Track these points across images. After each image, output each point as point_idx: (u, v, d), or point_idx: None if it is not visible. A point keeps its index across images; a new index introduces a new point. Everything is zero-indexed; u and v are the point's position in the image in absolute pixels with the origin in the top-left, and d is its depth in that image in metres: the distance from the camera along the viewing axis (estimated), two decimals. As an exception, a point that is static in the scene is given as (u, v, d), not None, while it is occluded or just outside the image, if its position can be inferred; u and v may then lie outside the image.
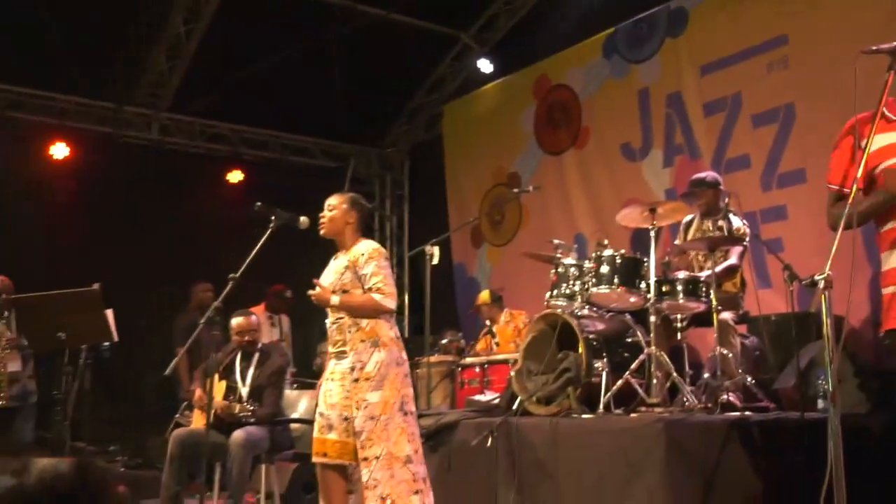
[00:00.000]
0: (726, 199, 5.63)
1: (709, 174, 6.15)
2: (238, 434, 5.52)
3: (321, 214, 4.49)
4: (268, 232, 4.36)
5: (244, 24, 9.40)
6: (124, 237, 9.76)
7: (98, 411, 9.31)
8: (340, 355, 4.36)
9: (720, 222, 5.69)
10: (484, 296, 8.13)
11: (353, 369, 4.28)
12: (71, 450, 6.93)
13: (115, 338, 6.32)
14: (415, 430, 4.33)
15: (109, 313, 6.18)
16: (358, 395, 4.24)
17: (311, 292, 4.36)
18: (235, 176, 10.62)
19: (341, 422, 4.28)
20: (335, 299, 4.30)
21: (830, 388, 2.47)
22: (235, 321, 6.01)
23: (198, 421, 6.07)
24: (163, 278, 9.61)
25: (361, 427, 4.21)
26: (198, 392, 5.88)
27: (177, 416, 7.70)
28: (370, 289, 4.32)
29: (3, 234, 9.16)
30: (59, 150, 9.55)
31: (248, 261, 4.26)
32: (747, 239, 5.69)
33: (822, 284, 2.50)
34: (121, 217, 9.77)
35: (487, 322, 7.94)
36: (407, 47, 10.33)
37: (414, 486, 4.18)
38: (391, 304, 4.33)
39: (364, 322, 4.32)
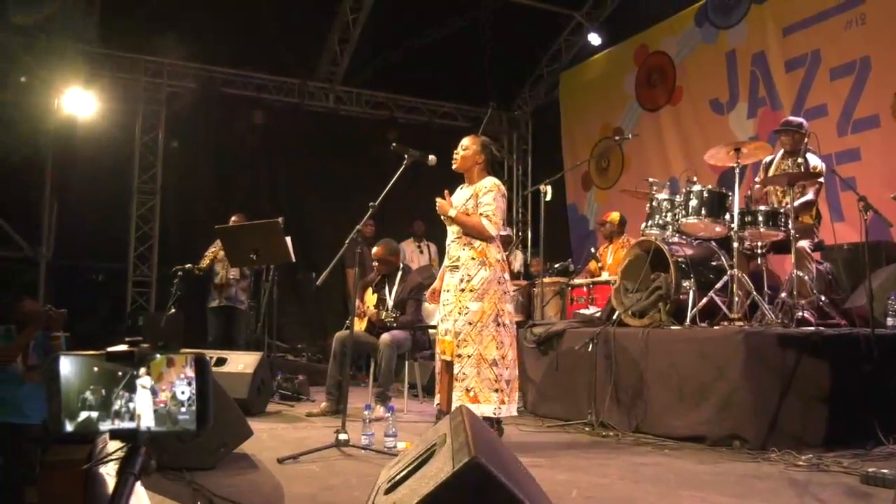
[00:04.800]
0: (806, 140, 4.96)
1: (800, 119, 5.45)
2: (385, 336, 5.41)
3: (455, 152, 4.20)
4: (402, 167, 4.07)
5: (396, 13, 9.20)
6: (306, 182, 9.91)
7: (292, 317, 9.49)
8: (454, 269, 4.11)
9: (799, 160, 5.04)
10: (615, 216, 7.41)
11: (461, 280, 4.03)
12: (267, 346, 7.02)
13: (293, 259, 6.28)
14: (505, 339, 3.98)
15: (288, 240, 6.16)
16: (462, 302, 4.00)
17: (438, 199, 4.13)
18: (392, 135, 10.45)
19: (453, 325, 4.03)
20: (452, 212, 4.06)
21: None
22: (374, 250, 5.76)
23: (358, 325, 5.96)
24: (336, 214, 9.57)
25: (460, 329, 3.97)
26: (357, 302, 5.74)
27: (347, 321, 7.65)
28: (481, 214, 4.03)
29: (223, 179, 9.45)
30: (259, 116, 9.81)
31: (385, 191, 4.01)
32: (822, 177, 5.02)
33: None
34: (304, 166, 9.90)
35: (606, 239, 7.45)
36: (530, 26, 9.93)
37: (496, 385, 3.88)
38: (493, 230, 4.00)
39: (477, 243, 4.04)
